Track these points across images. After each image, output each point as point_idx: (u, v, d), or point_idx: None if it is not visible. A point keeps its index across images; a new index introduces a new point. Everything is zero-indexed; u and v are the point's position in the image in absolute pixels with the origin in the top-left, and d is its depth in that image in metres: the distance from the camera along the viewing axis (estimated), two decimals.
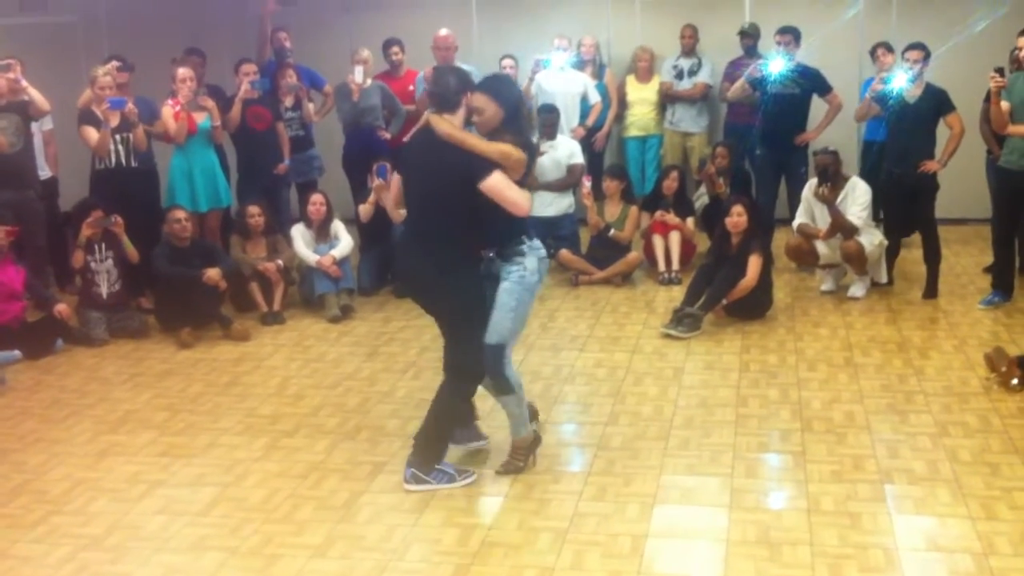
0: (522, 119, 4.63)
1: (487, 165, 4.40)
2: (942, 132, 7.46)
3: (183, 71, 7.87)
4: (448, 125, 4.47)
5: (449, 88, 4.53)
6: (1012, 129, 6.87)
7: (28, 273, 7.12)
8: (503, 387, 4.65)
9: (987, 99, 7.09)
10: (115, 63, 7.96)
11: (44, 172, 8.19)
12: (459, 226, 4.51)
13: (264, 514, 4.47)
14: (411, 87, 9.17)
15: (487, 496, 4.63)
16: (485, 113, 4.51)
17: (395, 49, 9.27)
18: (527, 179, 4.59)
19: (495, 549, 4.11)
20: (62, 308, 7.05)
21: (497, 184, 4.40)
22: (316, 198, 7.88)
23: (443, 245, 4.53)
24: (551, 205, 8.55)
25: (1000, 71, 6.73)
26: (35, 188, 7.70)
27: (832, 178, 7.46)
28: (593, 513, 4.37)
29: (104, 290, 7.34)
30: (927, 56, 7.36)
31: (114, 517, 4.50)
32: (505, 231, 4.57)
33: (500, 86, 4.67)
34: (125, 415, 5.77)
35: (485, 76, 5.02)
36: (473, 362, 4.60)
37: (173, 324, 7.18)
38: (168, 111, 7.84)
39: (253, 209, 7.75)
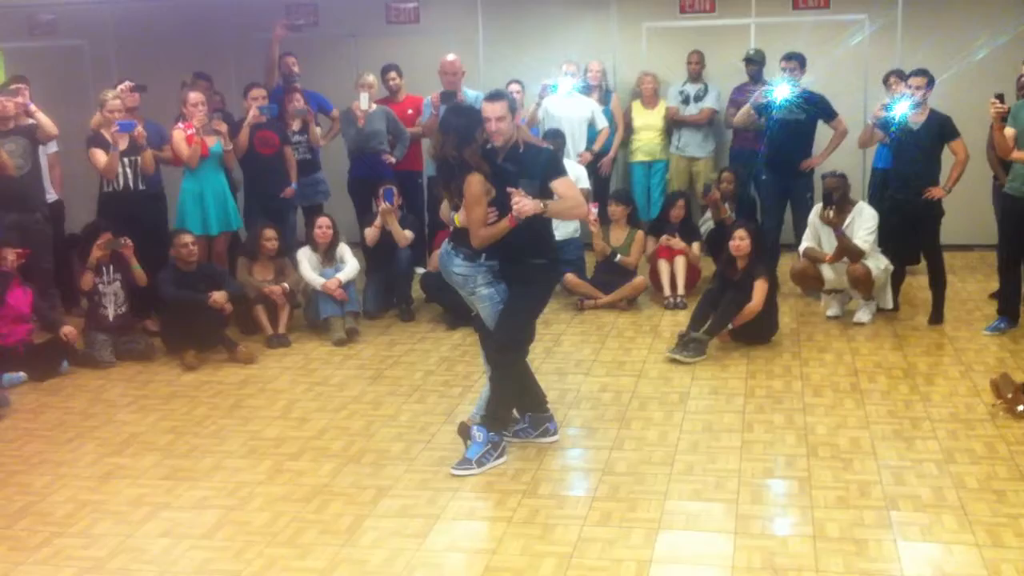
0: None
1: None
2: (947, 158, 7.47)
3: (195, 95, 7.90)
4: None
5: (460, 128, 5.01)
6: (1017, 155, 6.87)
7: (35, 295, 7.13)
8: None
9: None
10: (128, 83, 7.99)
11: (50, 195, 8.22)
12: None
13: (268, 537, 4.46)
14: (410, 111, 9.22)
15: (491, 520, 4.62)
16: (507, 119, 5.03)
17: (392, 75, 9.32)
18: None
19: (499, 574, 4.09)
20: (69, 330, 7.06)
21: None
22: (323, 221, 7.90)
23: None
24: (557, 229, 8.47)
25: (1000, 97, 6.75)
26: (42, 211, 7.73)
27: (839, 202, 7.47)
28: (597, 538, 4.35)
29: (111, 312, 7.35)
30: (931, 82, 7.37)
31: (118, 540, 4.49)
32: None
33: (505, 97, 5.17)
34: (130, 437, 5.77)
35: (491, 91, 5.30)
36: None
37: (178, 347, 7.18)
38: (180, 135, 7.86)
39: (270, 232, 7.75)
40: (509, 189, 4.94)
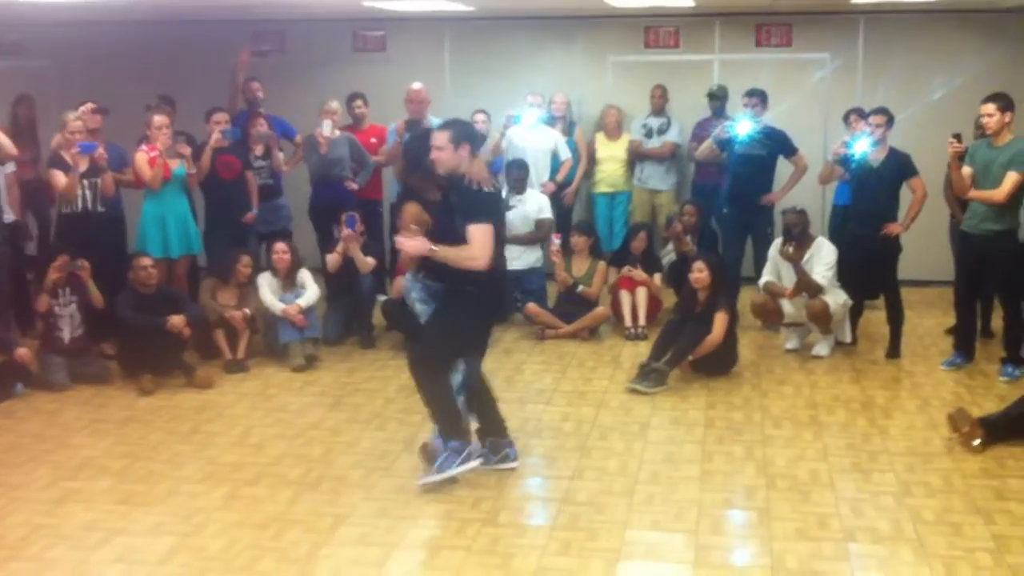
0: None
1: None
2: (906, 196, 7.57)
3: (159, 118, 7.86)
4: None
5: (409, 153, 5.31)
6: (974, 194, 6.97)
7: None
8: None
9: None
10: (90, 105, 7.95)
11: (7, 216, 8.11)
12: None
13: (223, 564, 4.40)
14: (373, 140, 9.22)
15: (449, 549, 4.59)
16: (447, 150, 5.01)
17: (358, 103, 9.34)
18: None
19: None
20: (23, 352, 6.95)
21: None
22: (279, 247, 7.86)
23: None
24: (519, 259, 8.57)
25: (958, 137, 6.86)
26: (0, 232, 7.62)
27: (799, 237, 7.55)
28: (557, 568, 4.34)
29: (67, 335, 7.25)
30: (890, 121, 7.48)
31: (71, 565, 4.42)
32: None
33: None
34: (84, 461, 5.68)
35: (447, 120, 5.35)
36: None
37: (135, 371, 7.09)
38: (143, 157, 7.81)
39: (247, 259, 7.74)
40: (398, 228, 5.13)
